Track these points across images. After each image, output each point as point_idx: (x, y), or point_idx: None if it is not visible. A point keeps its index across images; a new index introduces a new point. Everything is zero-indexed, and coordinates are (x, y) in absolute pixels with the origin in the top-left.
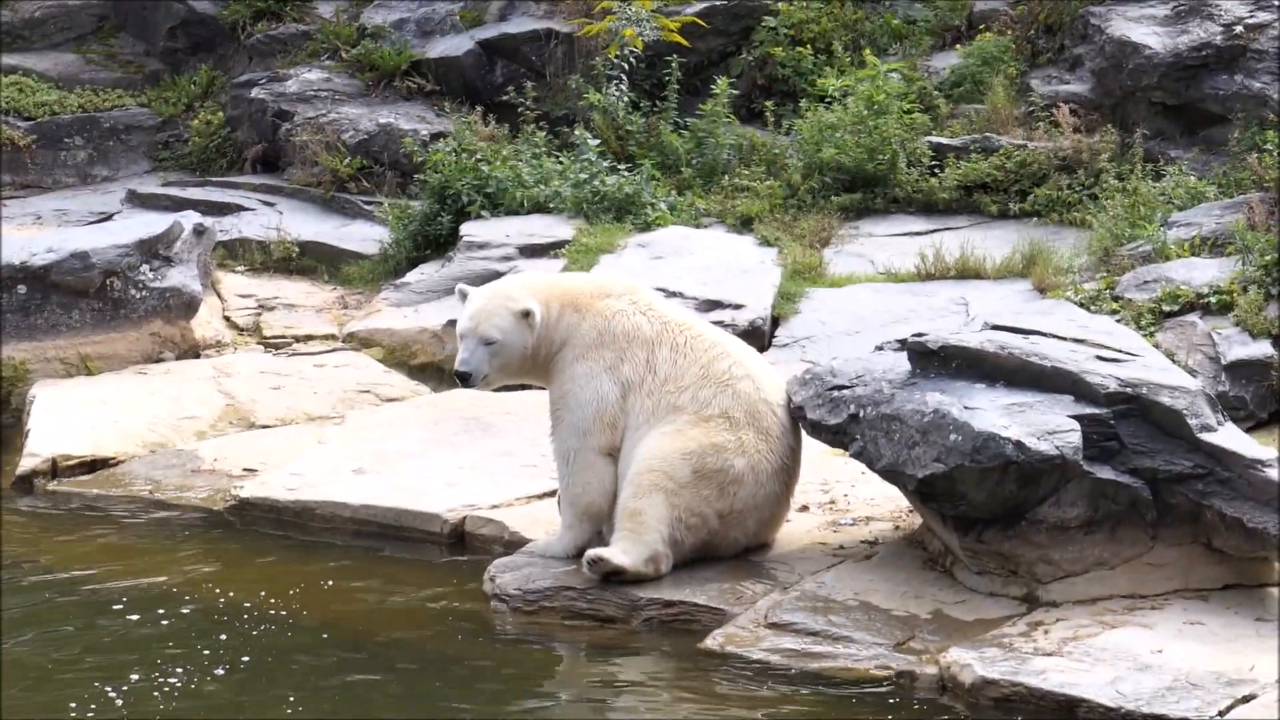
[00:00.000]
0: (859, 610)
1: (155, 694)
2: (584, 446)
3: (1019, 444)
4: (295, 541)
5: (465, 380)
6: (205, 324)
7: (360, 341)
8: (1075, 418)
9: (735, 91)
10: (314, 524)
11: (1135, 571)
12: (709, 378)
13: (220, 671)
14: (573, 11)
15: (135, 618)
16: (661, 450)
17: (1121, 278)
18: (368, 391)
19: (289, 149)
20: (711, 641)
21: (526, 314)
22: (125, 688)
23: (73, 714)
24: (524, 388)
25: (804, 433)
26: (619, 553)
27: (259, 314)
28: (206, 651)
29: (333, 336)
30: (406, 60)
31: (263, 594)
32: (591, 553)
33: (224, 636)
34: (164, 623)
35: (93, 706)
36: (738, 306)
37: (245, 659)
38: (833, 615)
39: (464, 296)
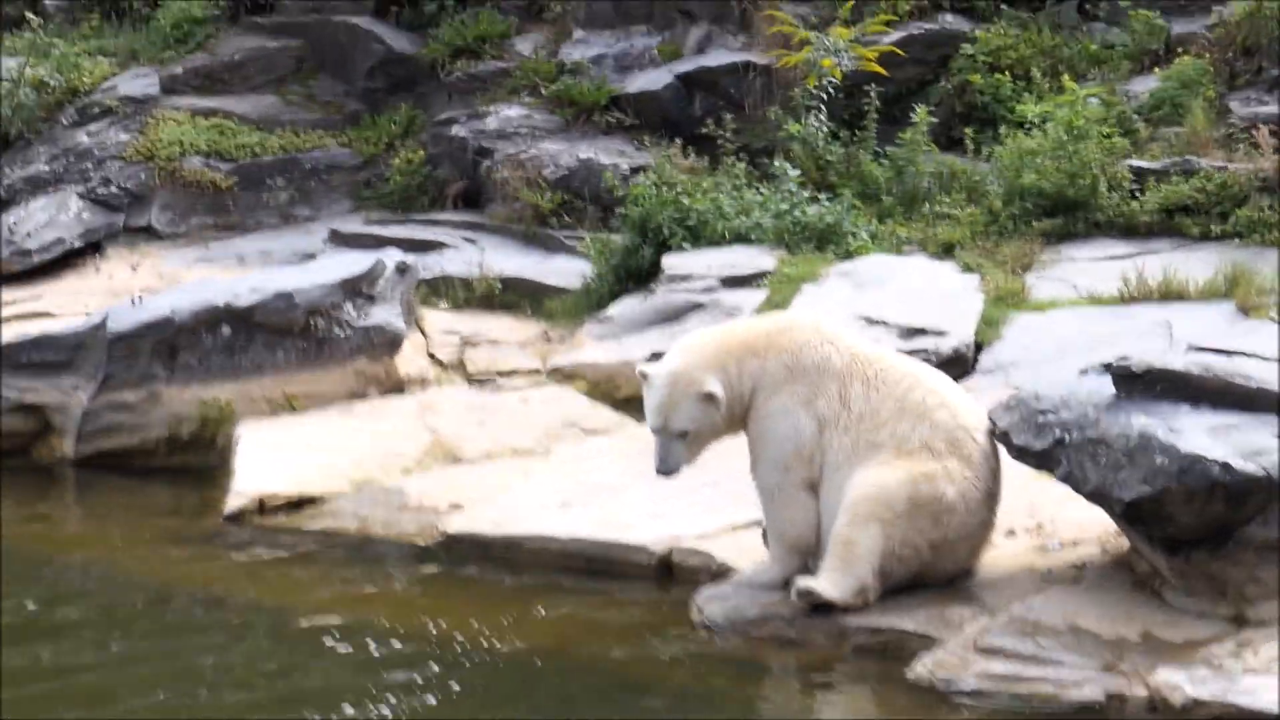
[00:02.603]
0: (1068, 633)
1: None
2: (785, 482)
3: (1225, 465)
4: (503, 575)
5: (669, 476)
6: (409, 361)
7: (564, 375)
8: None
9: (934, 119)
10: (521, 558)
11: None
12: (905, 411)
13: (432, 701)
14: (770, 43)
15: (347, 651)
16: (877, 479)
17: None
18: (573, 425)
19: (490, 185)
20: (920, 667)
21: (710, 397)
22: (335, 718)
23: None
24: None
25: (1008, 456)
26: (828, 584)
27: (463, 350)
28: (420, 681)
29: (536, 371)
30: (606, 95)
31: (474, 625)
32: (801, 584)
33: (435, 668)
34: (375, 655)
35: None
36: (940, 333)
37: (456, 689)
38: (1041, 638)
39: (644, 378)
